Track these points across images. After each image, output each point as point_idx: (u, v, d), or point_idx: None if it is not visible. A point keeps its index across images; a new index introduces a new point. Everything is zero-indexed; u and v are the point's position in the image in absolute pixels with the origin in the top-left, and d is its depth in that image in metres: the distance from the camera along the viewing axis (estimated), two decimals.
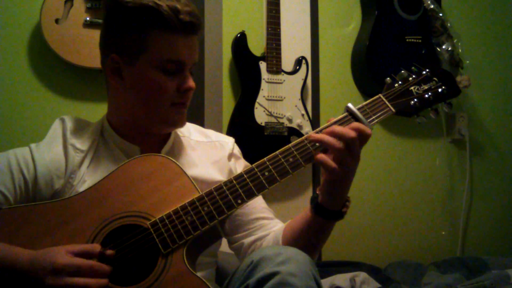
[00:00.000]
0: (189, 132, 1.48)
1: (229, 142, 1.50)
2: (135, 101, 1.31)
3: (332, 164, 1.17)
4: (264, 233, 1.41)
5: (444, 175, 2.80)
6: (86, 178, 1.29)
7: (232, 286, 1.16)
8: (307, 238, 1.30)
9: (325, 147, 1.19)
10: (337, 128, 1.18)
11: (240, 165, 1.49)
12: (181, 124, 1.36)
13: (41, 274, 1.07)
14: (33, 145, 1.32)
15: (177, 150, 1.41)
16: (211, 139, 1.49)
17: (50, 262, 1.08)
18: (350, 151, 1.16)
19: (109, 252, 1.14)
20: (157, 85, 1.28)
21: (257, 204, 1.45)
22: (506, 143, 2.95)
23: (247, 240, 1.41)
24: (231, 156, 1.48)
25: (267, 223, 1.43)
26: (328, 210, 1.25)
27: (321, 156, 1.19)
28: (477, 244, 2.82)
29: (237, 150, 1.52)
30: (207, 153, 1.45)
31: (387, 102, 1.27)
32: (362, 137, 1.18)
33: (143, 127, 1.34)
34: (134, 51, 1.27)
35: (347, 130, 1.16)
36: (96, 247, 1.13)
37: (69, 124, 1.36)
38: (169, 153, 1.38)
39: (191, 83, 1.31)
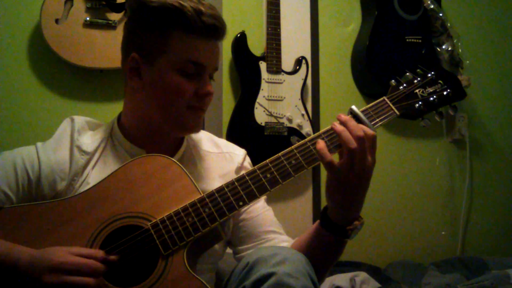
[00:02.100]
0: (200, 141, 1.46)
1: (240, 154, 1.47)
2: (152, 102, 1.30)
3: (328, 155, 1.14)
4: None
5: (444, 175, 2.80)
6: (90, 181, 1.28)
7: None
8: (313, 253, 1.24)
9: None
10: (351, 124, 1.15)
11: None
12: (197, 130, 1.36)
13: (38, 271, 1.07)
14: (39, 144, 1.32)
15: (186, 160, 1.39)
16: (222, 150, 1.47)
17: (49, 260, 1.08)
18: (360, 151, 1.12)
19: (113, 257, 1.13)
20: (175, 87, 1.27)
21: (267, 217, 1.42)
22: (506, 143, 2.95)
23: None
24: (240, 169, 1.44)
25: (275, 237, 1.39)
26: (332, 222, 1.21)
27: (320, 146, 1.15)
28: (477, 244, 2.82)
29: (247, 163, 1.49)
30: (216, 165, 1.42)
31: (391, 105, 1.26)
32: (368, 139, 1.14)
33: (157, 130, 1.33)
34: (155, 50, 1.27)
35: (357, 129, 1.13)
36: (100, 253, 1.12)
37: (78, 125, 1.35)
38: (181, 160, 1.36)
39: (210, 88, 1.30)
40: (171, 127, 1.32)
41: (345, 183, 1.15)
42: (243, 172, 1.40)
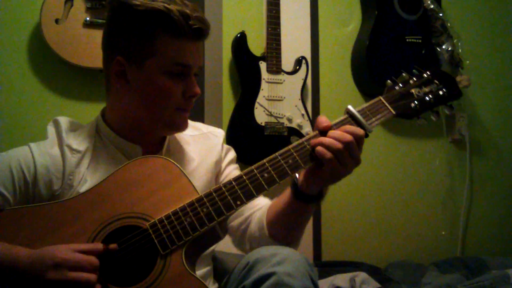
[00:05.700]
0: None
1: (220, 131, 1.54)
2: (139, 104, 1.31)
3: (328, 153, 1.17)
4: (249, 212, 1.41)
5: (444, 175, 2.80)
6: (87, 178, 1.29)
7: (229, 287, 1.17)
8: (288, 220, 1.32)
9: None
10: (335, 133, 1.19)
11: (230, 155, 1.53)
12: (184, 128, 1.38)
13: (41, 269, 1.08)
14: (33, 145, 1.32)
15: (173, 146, 1.42)
16: (202, 131, 1.52)
17: (51, 257, 1.08)
18: (349, 152, 1.17)
19: (112, 246, 1.15)
20: (163, 90, 1.29)
21: None
22: (506, 143, 2.95)
23: (235, 223, 1.43)
24: (222, 145, 1.51)
25: (255, 204, 1.43)
26: (307, 195, 1.26)
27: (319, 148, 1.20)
28: (477, 244, 2.82)
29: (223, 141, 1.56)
30: (201, 145, 1.47)
31: (387, 104, 1.28)
32: (357, 139, 1.19)
33: (145, 129, 1.35)
34: (142, 54, 1.27)
35: (344, 134, 1.18)
36: (99, 245, 1.14)
37: (64, 125, 1.36)
38: (168, 150, 1.40)
39: (197, 89, 1.32)
40: (160, 127, 1.35)
41: (334, 176, 1.21)
42: (224, 149, 1.49)
